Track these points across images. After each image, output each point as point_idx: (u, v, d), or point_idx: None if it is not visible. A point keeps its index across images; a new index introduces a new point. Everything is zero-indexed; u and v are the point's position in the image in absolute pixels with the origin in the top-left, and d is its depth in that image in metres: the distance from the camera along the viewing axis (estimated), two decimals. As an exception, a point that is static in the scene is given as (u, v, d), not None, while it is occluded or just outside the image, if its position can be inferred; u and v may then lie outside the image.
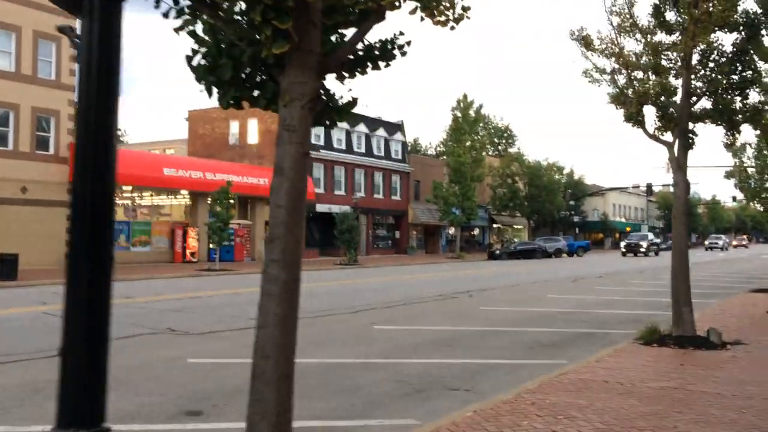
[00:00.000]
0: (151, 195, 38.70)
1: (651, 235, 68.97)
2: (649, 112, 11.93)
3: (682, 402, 7.30)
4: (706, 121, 11.86)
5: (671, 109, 11.66)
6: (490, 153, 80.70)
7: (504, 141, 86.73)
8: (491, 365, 9.83)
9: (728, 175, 23.31)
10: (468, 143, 54.87)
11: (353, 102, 4.32)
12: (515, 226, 76.15)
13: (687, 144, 11.58)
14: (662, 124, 11.62)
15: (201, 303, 17.31)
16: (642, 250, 61.80)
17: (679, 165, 11.56)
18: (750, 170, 22.77)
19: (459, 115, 54.67)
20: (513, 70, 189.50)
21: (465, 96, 54.83)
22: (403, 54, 4.30)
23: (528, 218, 70.97)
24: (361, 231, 50.92)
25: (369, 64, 4.27)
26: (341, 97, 4.33)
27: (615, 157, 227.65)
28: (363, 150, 53.45)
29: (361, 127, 53.09)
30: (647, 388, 7.94)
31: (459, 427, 6.24)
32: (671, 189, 67.63)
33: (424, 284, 24.80)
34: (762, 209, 23.34)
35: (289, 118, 3.84)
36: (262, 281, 3.87)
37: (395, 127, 57.96)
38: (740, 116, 11.87)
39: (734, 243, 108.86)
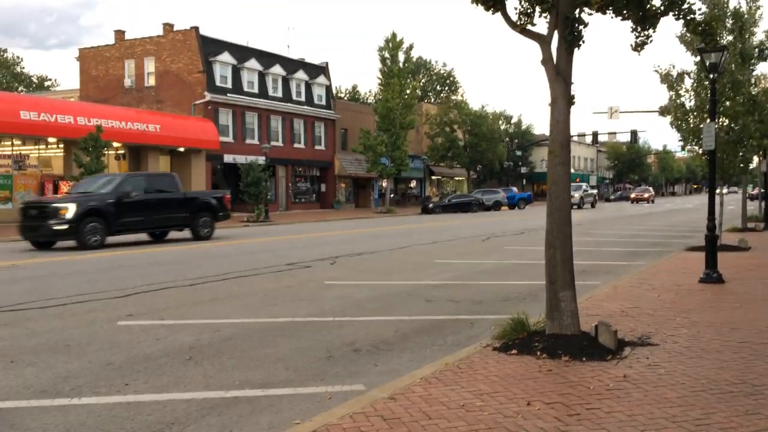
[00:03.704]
0: (12, 142, 33.31)
1: None
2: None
3: None
4: (604, 7, 7.65)
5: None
6: (432, 100, 76.34)
7: (446, 88, 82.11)
8: (228, 402, 5.78)
9: (662, 111, 19.37)
10: (400, 87, 50.25)
11: None
12: (456, 178, 72.32)
13: (570, 38, 7.37)
14: (531, 5, 7.43)
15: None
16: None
17: (557, 71, 7.43)
18: (688, 105, 18.92)
19: (387, 56, 49.83)
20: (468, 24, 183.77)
21: (394, 35, 49.79)
22: None
23: (468, 169, 67.05)
24: (279, 184, 46.49)
25: None
26: None
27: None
28: (280, 94, 48.27)
29: (277, 69, 47.80)
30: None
31: None
32: (616, 138, 63.24)
33: (301, 247, 20.53)
34: (700, 150, 19.58)
35: None
36: None
37: (318, 70, 52.76)
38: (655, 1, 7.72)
39: (633, 195, 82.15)
